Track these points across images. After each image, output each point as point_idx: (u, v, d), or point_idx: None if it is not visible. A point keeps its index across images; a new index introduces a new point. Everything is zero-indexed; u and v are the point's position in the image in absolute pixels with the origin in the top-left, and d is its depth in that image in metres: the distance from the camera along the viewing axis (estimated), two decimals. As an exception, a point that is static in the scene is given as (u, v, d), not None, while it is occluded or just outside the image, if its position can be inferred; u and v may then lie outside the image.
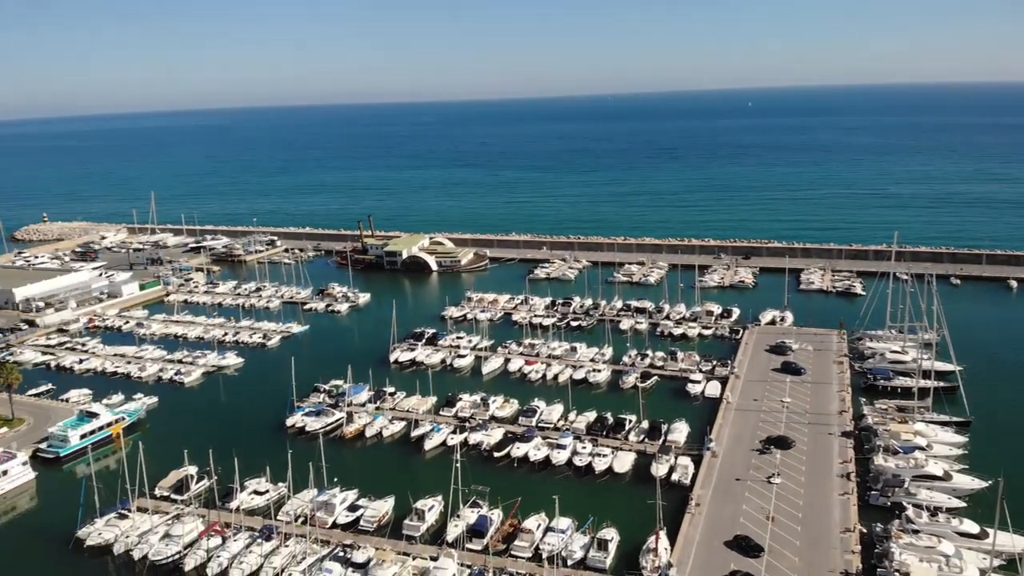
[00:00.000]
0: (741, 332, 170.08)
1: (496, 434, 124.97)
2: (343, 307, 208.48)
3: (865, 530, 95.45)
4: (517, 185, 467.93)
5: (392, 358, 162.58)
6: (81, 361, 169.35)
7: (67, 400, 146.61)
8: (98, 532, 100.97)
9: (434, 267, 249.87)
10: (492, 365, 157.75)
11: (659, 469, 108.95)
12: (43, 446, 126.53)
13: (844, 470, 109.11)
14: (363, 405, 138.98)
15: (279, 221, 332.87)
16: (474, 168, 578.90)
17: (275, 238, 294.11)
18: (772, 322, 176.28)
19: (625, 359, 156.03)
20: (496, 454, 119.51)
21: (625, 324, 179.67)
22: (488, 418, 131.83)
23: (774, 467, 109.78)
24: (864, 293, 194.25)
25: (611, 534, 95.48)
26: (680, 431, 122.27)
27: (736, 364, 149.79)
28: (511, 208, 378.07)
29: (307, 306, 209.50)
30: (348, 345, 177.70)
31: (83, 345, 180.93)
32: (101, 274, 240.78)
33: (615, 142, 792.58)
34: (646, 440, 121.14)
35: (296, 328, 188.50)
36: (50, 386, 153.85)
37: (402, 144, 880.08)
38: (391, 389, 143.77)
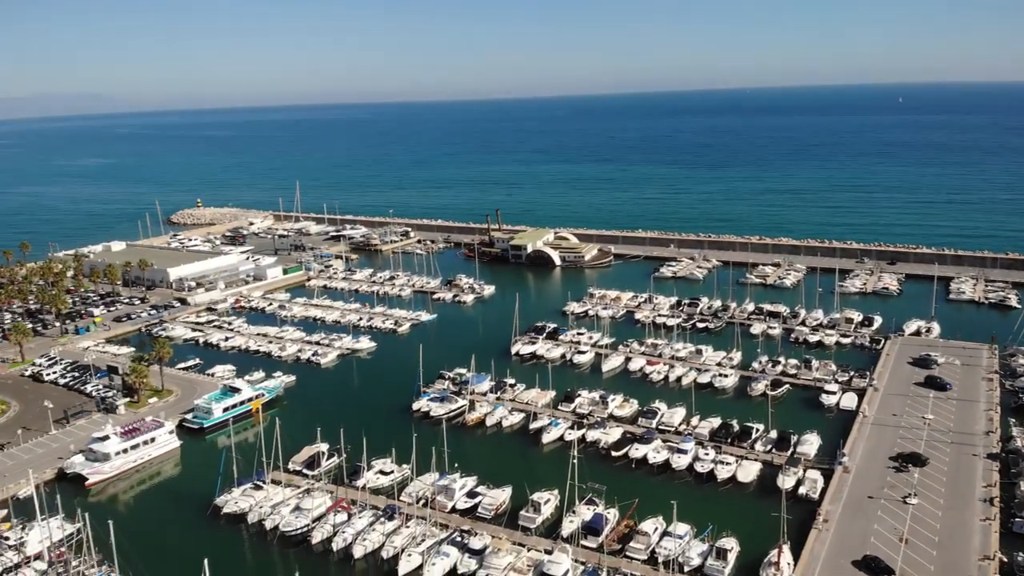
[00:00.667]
0: (882, 342, 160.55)
1: (614, 433, 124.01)
2: (469, 298, 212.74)
3: (1006, 559, 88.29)
4: (646, 180, 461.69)
5: (513, 350, 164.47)
6: (227, 339, 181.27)
7: (212, 375, 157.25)
8: (235, 501, 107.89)
9: (558, 262, 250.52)
10: (612, 363, 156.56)
11: (786, 481, 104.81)
12: (189, 417, 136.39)
13: (987, 494, 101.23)
14: (484, 394, 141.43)
15: (413, 213, 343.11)
16: (603, 163, 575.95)
17: (409, 229, 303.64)
18: (917, 333, 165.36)
19: (755, 365, 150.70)
20: (614, 453, 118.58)
21: (756, 328, 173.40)
22: (607, 416, 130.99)
23: (911, 487, 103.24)
24: (1020, 306, 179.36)
25: (731, 544, 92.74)
26: (810, 443, 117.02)
27: (875, 376, 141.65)
28: (639, 204, 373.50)
29: (436, 296, 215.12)
30: (472, 335, 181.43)
31: (229, 324, 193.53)
32: (248, 258, 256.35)
33: (752, 137, 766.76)
34: (773, 450, 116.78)
35: (425, 316, 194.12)
36: (197, 361, 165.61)
37: (532, 139, 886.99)
38: (511, 381, 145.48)
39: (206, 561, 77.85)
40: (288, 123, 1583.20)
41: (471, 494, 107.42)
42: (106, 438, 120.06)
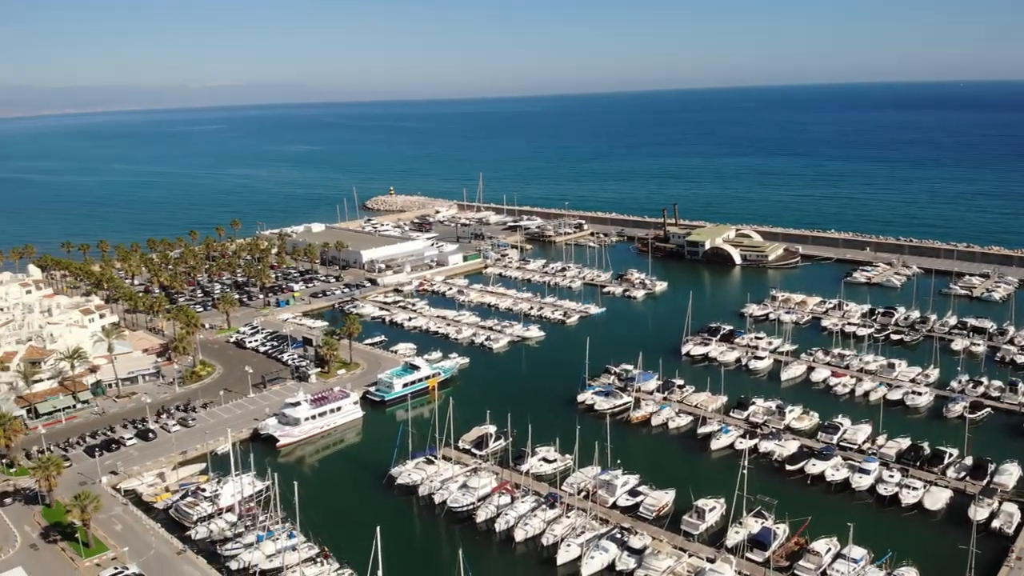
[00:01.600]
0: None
1: (790, 446, 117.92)
2: (639, 293, 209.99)
3: None
4: (841, 177, 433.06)
5: (684, 350, 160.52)
6: (410, 319, 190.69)
7: (395, 352, 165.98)
8: (408, 473, 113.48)
9: (738, 260, 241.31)
10: (793, 372, 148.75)
11: (978, 513, 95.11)
12: (372, 389, 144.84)
13: None
14: (651, 393, 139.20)
15: (588, 205, 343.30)
16: (793, 157, 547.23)
17: (583, 222, 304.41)
18: None
19: (954, 384, 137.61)
20: (788, 467, 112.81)
21: (958, 344, 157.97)
22: (783, 428, 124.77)
23: None
24: None
25: (911, 574, 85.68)
26: (1010, 473, 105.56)
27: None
28: (832, 202, 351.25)
29: (606, 289, 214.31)
30: (641, 331, 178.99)
31: (413, 305, 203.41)
32: (433, 244, 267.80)
33: (965, 134, 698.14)
34: (967, 478, 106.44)
35: (594, 309, 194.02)
36: (383, 338, 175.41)
37: (716, 131, 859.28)
38: (680, 381, 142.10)
39: (378, 529, 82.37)
40: (474, 115, 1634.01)
41: (633, 492, 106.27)
42: (298, 404, 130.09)
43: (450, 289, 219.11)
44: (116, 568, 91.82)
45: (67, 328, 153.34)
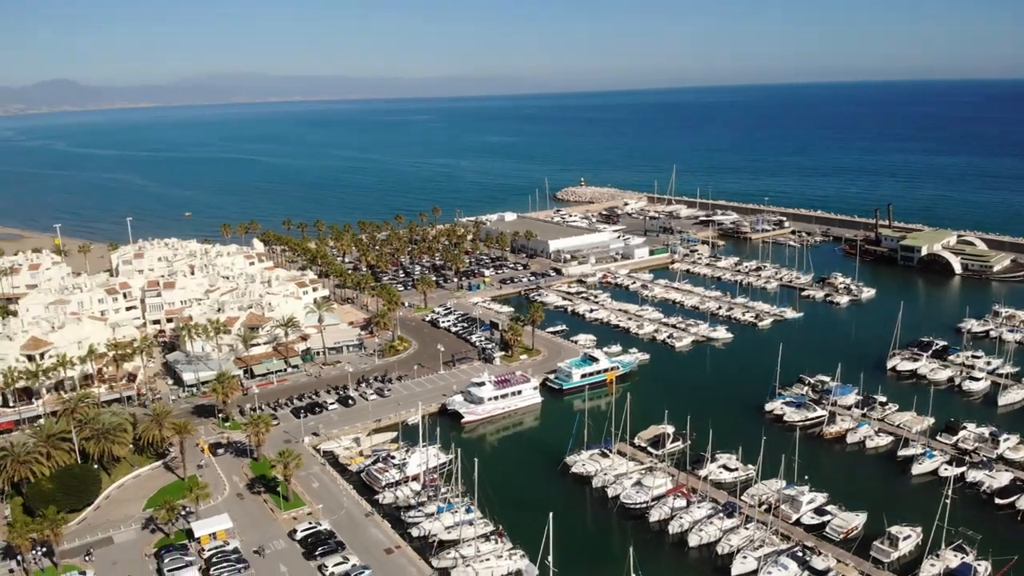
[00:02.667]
0: None
1: (1002, 477, 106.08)
2: (843, 299, 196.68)
3: None
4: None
5: (889, 365, 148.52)
6: (591, 310, 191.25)
7: (575, 342, 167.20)
8: (582, 463, 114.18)
9: (958, 269, 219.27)
10: (1013, 396, 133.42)
11: None
12: (551, 377, 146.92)
13: None
14: (848, 408, 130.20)
15: (789, 202, 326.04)
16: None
17: (783, 219, 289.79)
18: None
19: None
20: (998, 500, 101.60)
21: None
22: (995, 457, 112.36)
23: None
24: None
25: None
26: None
27: None
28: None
29: (805, 292, 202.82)
30: (841, 341, 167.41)
31: (595, 297, 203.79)
32: (619, 236, 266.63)
33: None
34: None
35: (790, 313, 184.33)
36: (564, 327, 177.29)
37: (945, 126, 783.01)
38: (883, 398, 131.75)
39: (551, 515, 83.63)
40: (668, 106, 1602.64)
41: (819, 511, 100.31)
42: (482, 384, 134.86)
43: (634, 283, 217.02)
44: (310, 523, 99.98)
45: (283, 299, 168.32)
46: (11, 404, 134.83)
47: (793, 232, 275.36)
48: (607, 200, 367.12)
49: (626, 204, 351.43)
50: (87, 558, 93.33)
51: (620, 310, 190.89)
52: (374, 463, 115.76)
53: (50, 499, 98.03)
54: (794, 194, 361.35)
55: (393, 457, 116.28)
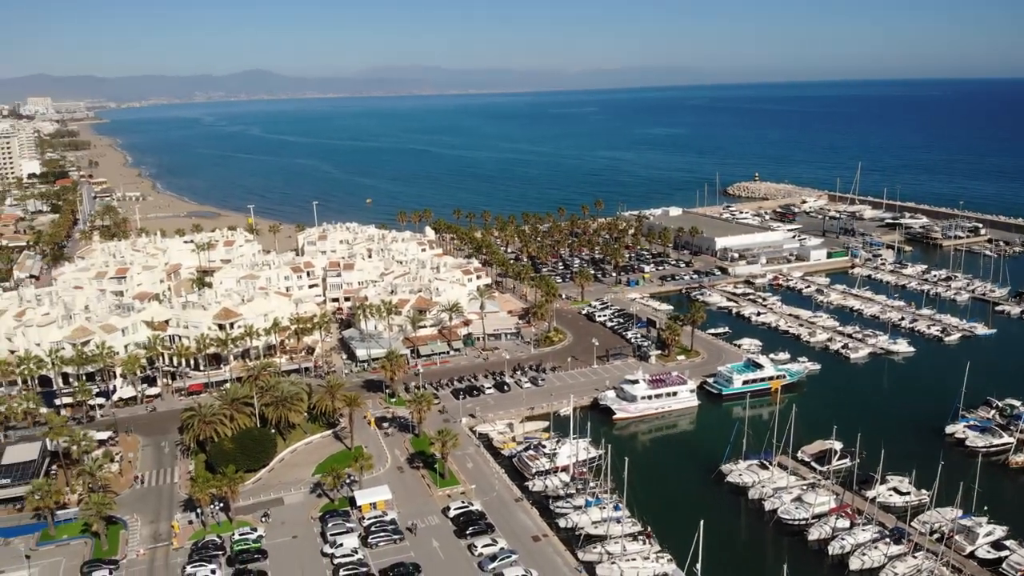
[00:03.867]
0: None
1: None
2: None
3: None
4: None
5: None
6: (759, 314, 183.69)
7: (739, 346, 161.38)
8: (739, 473, 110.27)
9: None
10: None
11: None
12: (710, 381, 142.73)
13: None
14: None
15: (988, 207, 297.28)
16: None
17: (980, 225, 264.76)
18: None
19: None
20: None
21: None
22: None
23: None
24: None
25: None
26: None
27: None
28: None
29: (999, 307, 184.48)
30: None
31: (763, 299, 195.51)
32: (794, 236, 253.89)
33: None
34: None
35: (981, 329, 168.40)
36: (727, 330, 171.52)
37: None
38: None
39: (702, 522, 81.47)
40: (851, 99, 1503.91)
41: (997, 545, 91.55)
42: (636, 382, 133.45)
43: (808, 287, 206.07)
44: (463, 502, 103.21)
45: (450, 285, 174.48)
46: (202, 368, 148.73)
47: (990, 240, 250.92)
48: (783, 197, 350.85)
49: (804, 202, 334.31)
50: (264, 519, 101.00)
51: (791, 315, 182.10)
52: (526, 450, 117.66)
53: (230, 458, 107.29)
54: (994, 199, 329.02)
55: (544, 446, 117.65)
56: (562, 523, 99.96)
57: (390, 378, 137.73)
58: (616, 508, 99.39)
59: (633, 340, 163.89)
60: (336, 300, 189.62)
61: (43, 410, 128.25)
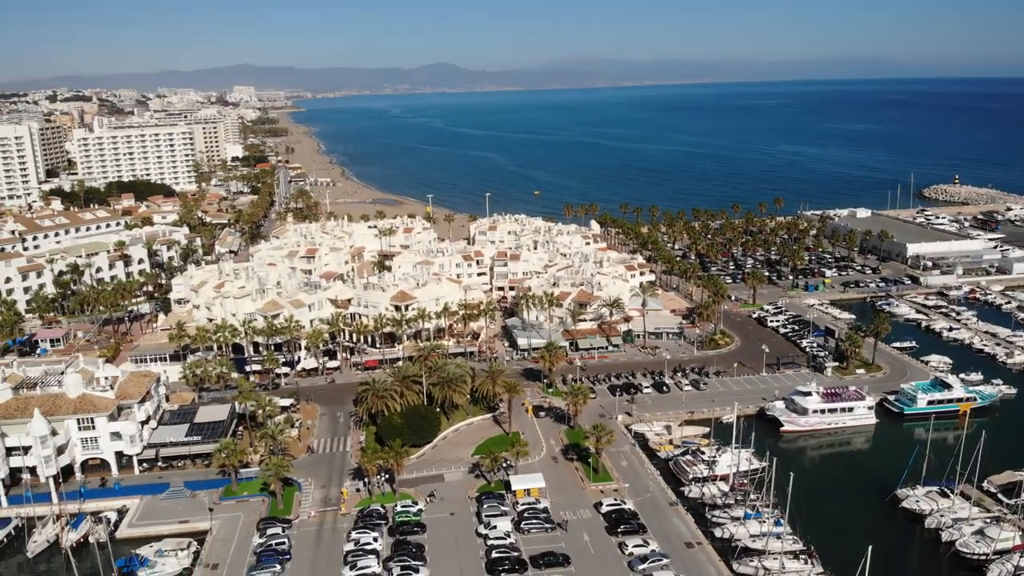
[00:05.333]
0: None
1: None
2: None
3: None
4: None
5: None
6: (951, 329, 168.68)
7: (926, 363, 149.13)
8: (916, 499, 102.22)
9: None
10: None
11: None
12: (891, 398, 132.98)
13: None
14: None
15: None
16: None
17: None
18: None
19: None
20: None
21: None
22: None
23: None
24: None
25: None
26: None
27: None
28: None
29: None
30: None
31: (957, 314, 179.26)
32: (996, 246, 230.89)
33: None
34: None
35: None
36: (913, 344, 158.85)
37: None
38: None
39: (870, 548, 76.42)
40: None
41: None
42: (808, 394, 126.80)
43: (1009, 302, 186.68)
44: (615, 499, 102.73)
45: (612, 280, 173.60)
46: (377, 346, 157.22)
47: None
48: (985, 203, 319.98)
49: (1008, 209, 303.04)
50: (430, 499, 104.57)
51: (987, 332, 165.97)
52: (683, 454, 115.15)
53: (398, 432, 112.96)
54: None
55: (703, 452, 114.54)
56: (718, 532, 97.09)
57: (548, 369, 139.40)
58: (777, 523, 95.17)
59: (808, 349, 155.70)
60: (501, 289, 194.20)
61: (234, 375, 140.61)
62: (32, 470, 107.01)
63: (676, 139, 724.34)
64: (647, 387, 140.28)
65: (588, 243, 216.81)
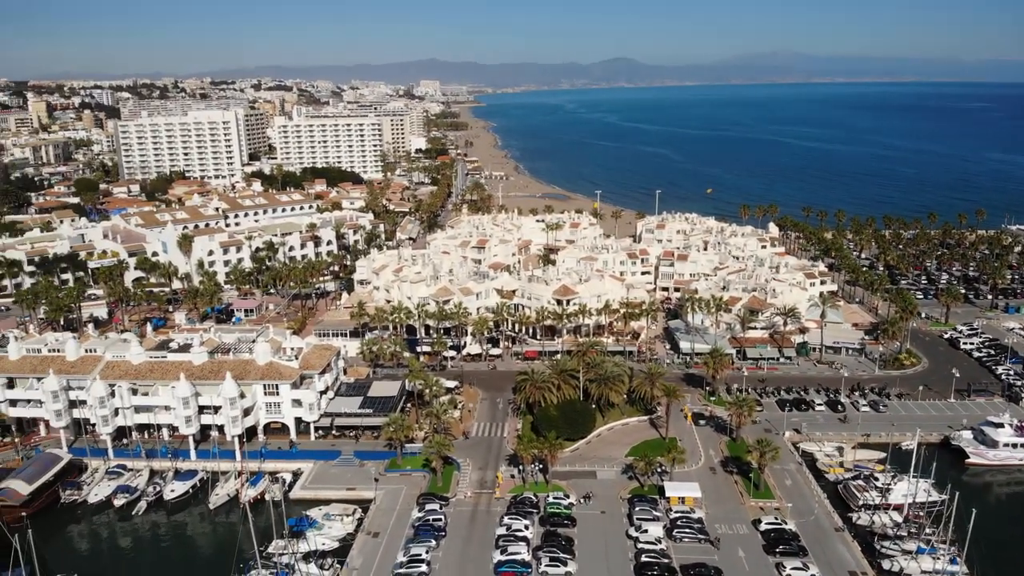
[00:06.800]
0: None
1: None
2: None
3: None
4: None
5: None
6: None
7: None
8: None
9: None
10: None
11: None
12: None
13: None
14: None
15: None
16: None
17: None
18: None
19: None
20: None
21: None
22: None
23: None
24: None
25: None
26: None
27: None
28: None
29: None
30: None
31: None
32: None
33: None
34: None
35: None
36: None
37: None
38: None
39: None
40: None
41: None
42: (1001, 425, 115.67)
43: None
44: (775, 518, 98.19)
45: (788, 287, 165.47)
46: (538, 337, 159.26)
47: None
48: None
49: None
50: (584, 500, 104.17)
51: None
52: (854, 478, 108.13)
53: (553, 424, 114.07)
54: None
55: (877, 479, 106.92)
56: (886, 565, 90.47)
57: (712, 376, 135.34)
58: (953, 561, 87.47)
59: (1004, 377, 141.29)
60: (666, 289, 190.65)
61: (406, 354, 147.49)
62: (220, 428, 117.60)
63: (868, 140, 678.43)
64: (820, 404, 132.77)
65: (764, 246, 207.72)
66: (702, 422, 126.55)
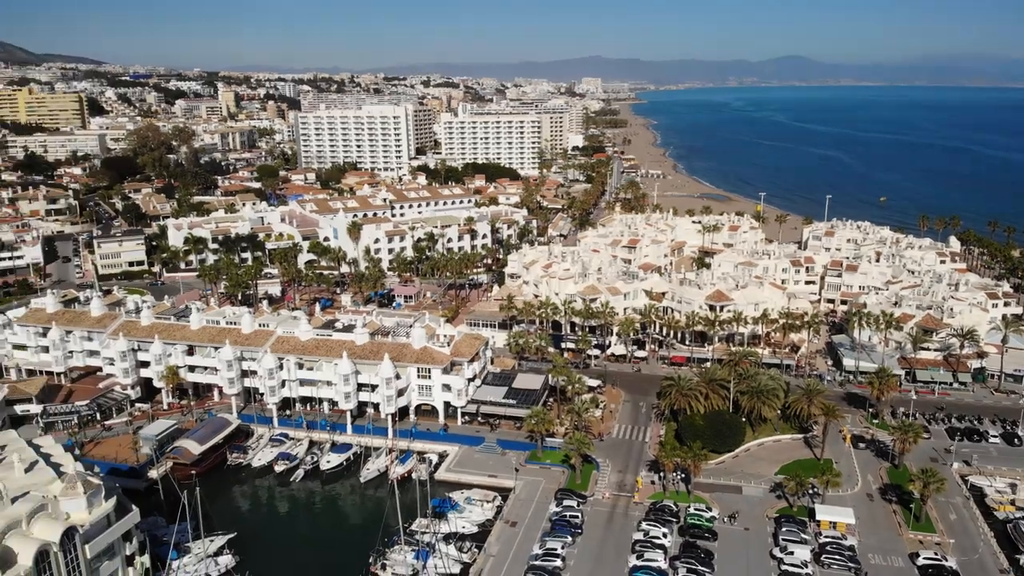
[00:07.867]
0: None
1: None
2: None
3: None
4: None
5: None
6: None
7: None
8: None
9: None
10: None
11: None
12: None
13: None
14: None
15: None
16: None
17: None
18: None
19: None
20: None
21: None
22: None
23: None
24: None
25: None
26: None
27: None
28: None
29: None
30: None
31: None
32: None
33: None
34: None
35: None
36: None
37: None
38: None
39: None
40: None
41: None
42: None
43: None
44: (936, 554, 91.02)
45: (968, 307, 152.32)
46: (686, 343, 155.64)
47: None
48: None
49: None
50: (731, 519, 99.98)
51: None
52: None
53: (699, 434, 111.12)
54: None
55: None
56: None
57: (876, 397, 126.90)
58: None
59: None
60: (832, 301, 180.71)
61: (551, 349, 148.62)
62: (376, 406, 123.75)
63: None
64: (994, 436, 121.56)
65: (943, 262, 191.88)
66: (862, 445, 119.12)
